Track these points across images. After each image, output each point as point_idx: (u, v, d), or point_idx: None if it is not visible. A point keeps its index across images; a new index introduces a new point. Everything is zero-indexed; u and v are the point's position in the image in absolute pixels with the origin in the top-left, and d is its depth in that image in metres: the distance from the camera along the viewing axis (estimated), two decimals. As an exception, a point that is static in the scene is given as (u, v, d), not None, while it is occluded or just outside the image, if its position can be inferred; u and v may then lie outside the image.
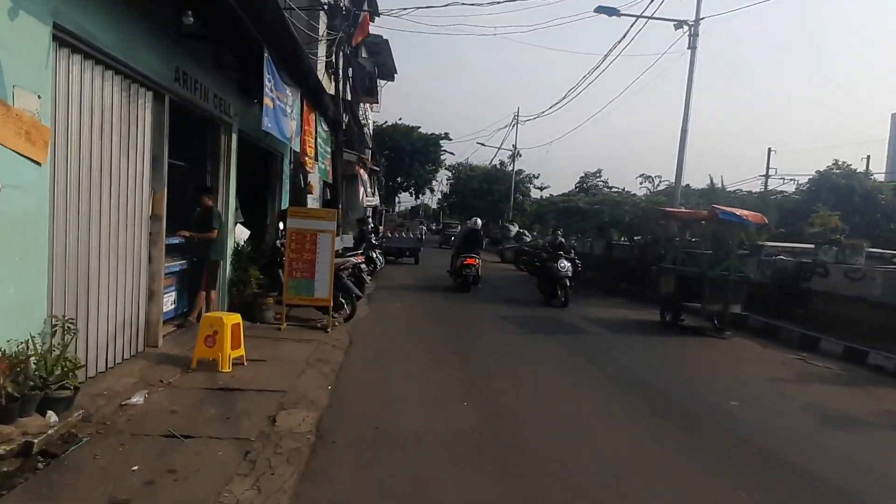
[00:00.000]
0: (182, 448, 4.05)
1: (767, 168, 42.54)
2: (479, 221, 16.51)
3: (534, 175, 48.22)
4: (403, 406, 5.36)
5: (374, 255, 19.29)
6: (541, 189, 48.62)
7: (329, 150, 11.94)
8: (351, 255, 11.06)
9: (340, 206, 12.99)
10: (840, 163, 22.25)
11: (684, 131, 14.93)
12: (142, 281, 6.06)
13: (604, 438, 4.89)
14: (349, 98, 17.28)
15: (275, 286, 9.27)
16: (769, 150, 44.20)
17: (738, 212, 10.45)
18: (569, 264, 13.41)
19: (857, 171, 22.94)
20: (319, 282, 8.58)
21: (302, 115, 8.87)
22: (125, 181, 5.58)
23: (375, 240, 20.77)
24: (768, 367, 8.14)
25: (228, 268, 8.66)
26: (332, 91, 13.04)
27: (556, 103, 50.48)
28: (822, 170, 21.55)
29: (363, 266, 11.45)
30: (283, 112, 7.49)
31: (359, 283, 11.27)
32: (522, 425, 5.04)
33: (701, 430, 5.21)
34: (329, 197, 14.23)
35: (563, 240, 14.99)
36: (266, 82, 6.41)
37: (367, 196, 17.38)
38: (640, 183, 21.32)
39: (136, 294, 5.94)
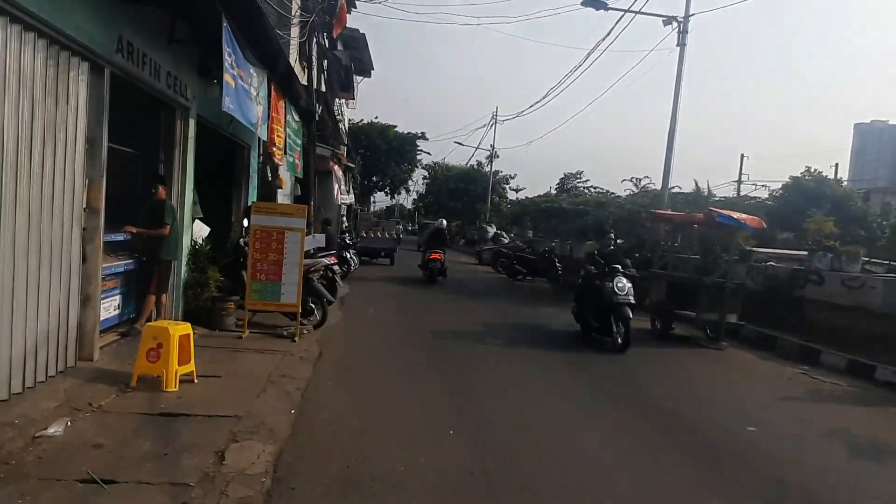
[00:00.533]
0: (100, 500, 3.22)
1: (740, 174, 42.85)
2: (444, 222, 19.14)
3: (510, 175, 47.80)
4: (380, 437, 4.58)
5: (349, 256, 18.49)
6: (516, 191, 48.29)
7: (300, 142, 11.08)
8: (323, 256, 10.23)
9: (312, 203, 12.13)
10: (812, 170, 22.41)
11: (672, 132, 14.45)
12: (73, 283, 5.16)
13: (622, 480, 4.18)
14: (323, 90, 16.41)
15: (238, 289, 8.39)
16: (742, 155, 44.66)
17: (736, 215, 9.92)
18: (629, 285, 9.05)
19: (828, 178, 23.39)
20: (287, 285, 7.74)
21: (270, 102, 8.02)
22: (51, 166, 4.69)
23: (350, 239, 19.93)
24: (774, 383, 7.58)
25: (184, 269, 7.77)
26: (305, 81, 12.18)
27: (537, 102, 49.44)
28: (795, 175, 21.90)
29: (336, 268, 10.63)
30: (248, 94, 6.64)
31: (331, 286, 10.45)
32: (519, 462, 4.30)
33: (725, 465, 4.55)
34: (300, 193, 13.32)
35: (615, 246, 10.98)
36: (226, 56, 5.57)
37: (341, 193, 16.49)
38: (627, 187, 20.88)
39: (64, 299, 5.04)
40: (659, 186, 16.98)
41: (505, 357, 7.99)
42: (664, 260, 11.64)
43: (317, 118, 12.18)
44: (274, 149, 8.40)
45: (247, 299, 7.70)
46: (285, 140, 9.32)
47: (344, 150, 22.70)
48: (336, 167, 16.12)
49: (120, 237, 6.49)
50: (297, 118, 10.60)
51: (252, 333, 7.77)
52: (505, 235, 29.27)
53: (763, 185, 33.93)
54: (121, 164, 6.99)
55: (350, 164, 19.75)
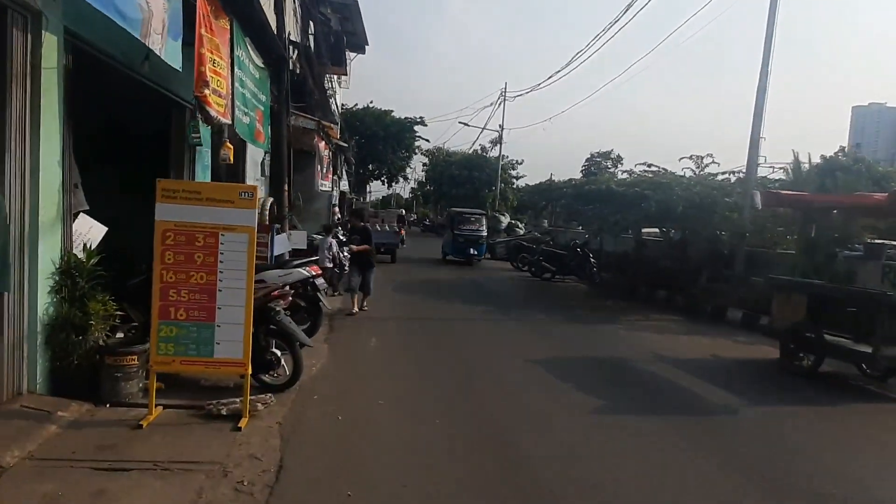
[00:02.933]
0: None
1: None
2: None
3: (517, 161, 44.29)
4: None
5: (342, 255, 15.16)
6: (516, 178, 44.86)
7: (264, 99, 7.66)
8: (299, 265, 6.89)
9: (287, 188, 8.73)
10: (845, 149, 20.01)
11: (762, 90, 11.05)
12: None
13: None
14: (309, 46, 12.98)
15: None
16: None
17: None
18: None
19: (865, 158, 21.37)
20: (225, 327, 4.37)
21: (193, 9, 4.63)
22: None
23: (343, 234, 16.54)
24: None
25: (44, 298, 4.39)
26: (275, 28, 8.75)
27: (558, 71, 43.79)
28: (828, 156, 20.01)
29: (320, 281, 7.27)
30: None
31: (312, 310, 7.11)
32: None
33: None
34: (269, 173, 9.83)
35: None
36: None
37: (322, 178, 13.04)
38: (686, 165, 17.13)
39: None
40: (720, 167, 13.67)
41: (592, 426, 4.65)
42: (807, 260, 8.34)
43: (290, 67, 8.75)
44: (207, 92, 4.98)
45: (153, 353, 4.34)
46: (232, 86, 5.91)
47: (337, 130, 19.26)
48: (322, 145, 12.69)
49: None
50: (257, 60, 7.17)
51: (167, 410, 4.44)
52: (520, 226, 25.92)
53: (781, 168, 30.81)
54: None
55: (342, 144, 16.35)
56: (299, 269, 6.85)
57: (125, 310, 5.20)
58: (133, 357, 4.64)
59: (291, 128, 12.17)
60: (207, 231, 4.31)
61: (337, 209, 17.67)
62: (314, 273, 7.00)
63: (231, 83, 5.78)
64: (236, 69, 6.02)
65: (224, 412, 4.41)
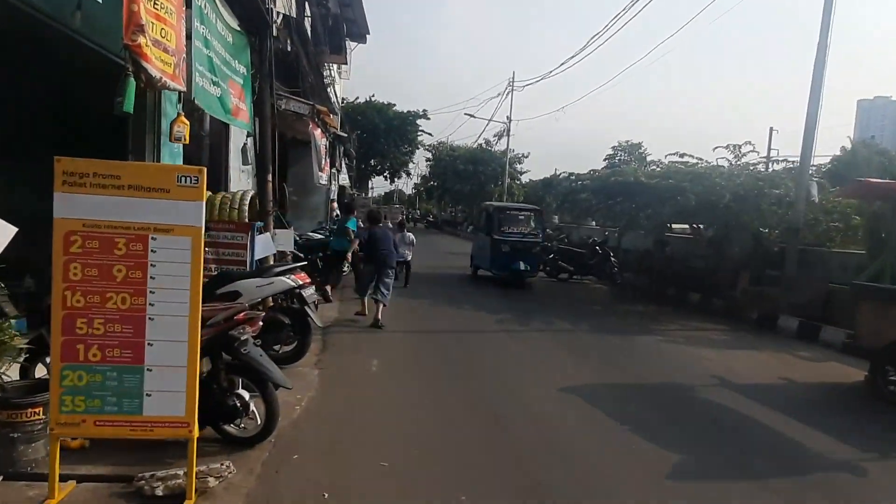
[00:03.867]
0: None
1: (769, 149, 37.99)
2: None
3: (523, 154, 42.91)
4: None
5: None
6: (521, 173, 43.50)
7: (243, 71, 6.31)
8: (282, 272, 5.57)
9: (272, 179, 7.38)
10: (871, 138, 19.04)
11: (820, 62, 9.62)
12: None
13: None
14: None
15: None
16: (770, 129, 39.73)
17: None
18: None
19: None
20: (159, 373, 3.04)
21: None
22: None
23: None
24: None
25: None
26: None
27: (572, 57, 41.84)
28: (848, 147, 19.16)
29: (309, 292, 5.93)
30: None
31: (299, 327, 5.81)
32: None
33: None
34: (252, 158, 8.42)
35: None
36: None
37: (319, 169, 11.64)
38: (721, 155, 15.59)
39: None
40: (761, 155, 12.27)
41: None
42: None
43: (276, 35, 7.39)
44: (142, 41, 3.64)
45: (52, 411, 3.00)
46: (189, 42, 4.57)
47: (337, 120, 17.86)
48: (318, 133, 11.34)
49: None
50: (235, 26, 5.82)
51: (81, 486, 3.13)
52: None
53: (794, 161, 29.39)
54: None
55: (341, 134, 15.00)
56: (282, 278, 5.55)
57: (41, 340, 3.86)
58: (37, 410, 3.32)
59: (282, 112, 10.85)
60: (132, 233, 2.98)
61: (336, 205, 16.35)
62: (301, 282, 5.68)
63: (186, 38, 4.42)
64: (196, 22, 4.67)
65: (160, 492, 3.09)
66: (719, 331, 9.46)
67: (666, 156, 12.82)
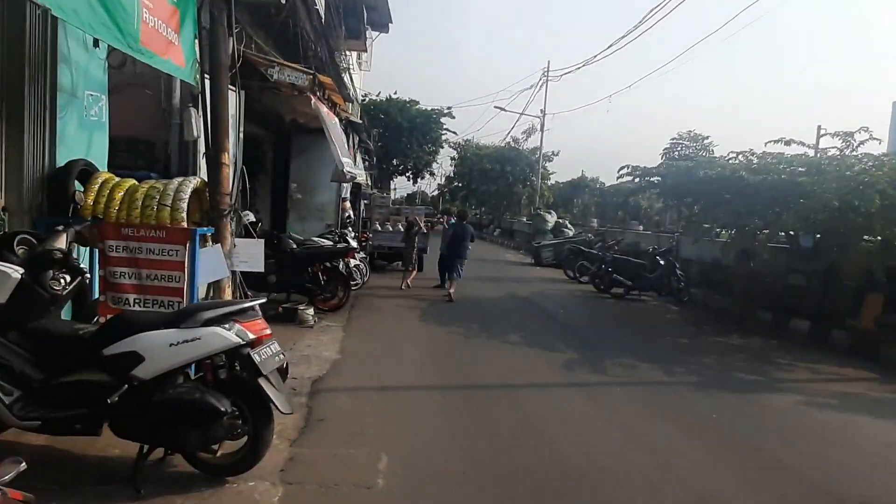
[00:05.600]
0: None
1: (817, 149, 34.85)
2: None
3: (553, 152, 40.17)
4: None
5: (354, 264, 11.47)
6: (550, 173, 40.83)
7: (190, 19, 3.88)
8: (219, 318, 3.13)
9: (236, 167, 4.94)
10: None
11: None
12: None
13: None
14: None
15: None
16: (819, 128, 36.55)
17: None
18: None
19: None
20: None
21: None
22: None
23: (352, 233, 12.82)
24: None
25: None
26: None
27: (621, 38, 38.54)
28: None
29: (266, 353, 3.39)
30: None
31: (254, 412, 3.30)
32: None
33: None
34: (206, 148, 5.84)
35: None
36: None
37: (342, 154, 9.03)
38: (830, 144, 12.80)
39: None
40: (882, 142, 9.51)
41: None
42: None
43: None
44: None
45: None
46: None
47: (353, 110, 15.40)
48: (325, 110, 8.90)
49: None
50: None
51: None
52: (569, 225, 21.88)
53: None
54: None
55: (356, 121, 12.58)
56: (217, 330, 3.09)
57: None
58: None
59: (274, 86, 8.50)
60: None
61: (348, 205, 13.93)
62: (250, 335, 3.21)
63: None
64: None
65: None
66: (869, 381, 6.79)
67: (729, 152, 10.26)
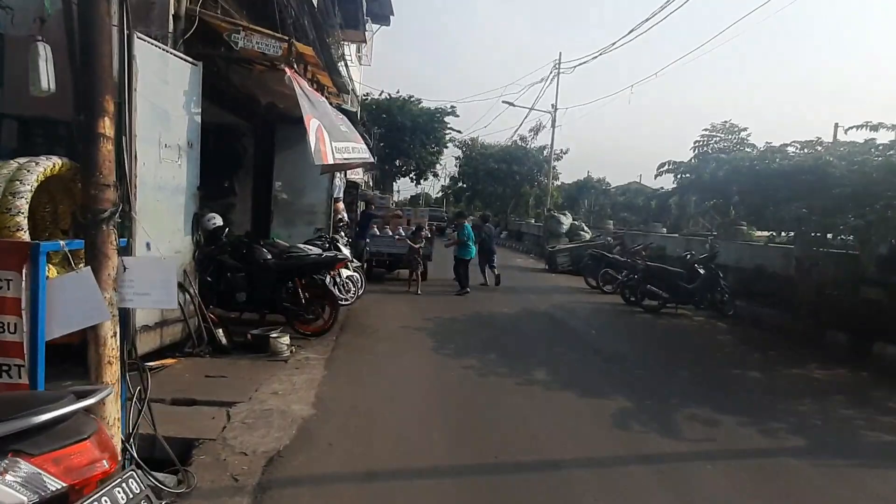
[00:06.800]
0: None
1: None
2: None
3: (562, 150, 38.35)
4: None
5: (346, 276, 9.85)
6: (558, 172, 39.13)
7: None
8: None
9: (126, 150, 3.22)
10: None
11: None
12: None
13: None
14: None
15: None
16: (836, 125, 34.88)
17: None
18: None
19: None
20: None
21: None
22: None
23: (345, 239, 11.15)
24: None
25: None
26: None
27: (645, 21, 34.89)
28: None
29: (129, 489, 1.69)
30: None
31: None
32: None
33: None
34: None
35: None
36: None
37: (317, 142, 7.09)
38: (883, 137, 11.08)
39: None
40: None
41: None
42: None
43: None
44: None
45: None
46: None
47: (350, 102, 13.68)
48: (306, 84, 7.17)
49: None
50: None
51: None
52: (585, 228, 20.12)
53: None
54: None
55: (349, 109, 10.85)
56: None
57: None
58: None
59: (243, 57, 6.85)
60: None
61: (342, 206, 12.24)
62: (59, 485, 1.45)
63: None
64: None
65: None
66: None
67: (792, 142, 8.57)
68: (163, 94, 5.80)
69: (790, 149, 8.55)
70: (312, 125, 6.68)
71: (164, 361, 5.81)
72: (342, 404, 4.83)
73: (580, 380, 6.06)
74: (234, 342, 6.60)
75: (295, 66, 6.82)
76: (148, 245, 5.67)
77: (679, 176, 10.96)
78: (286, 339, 6.42)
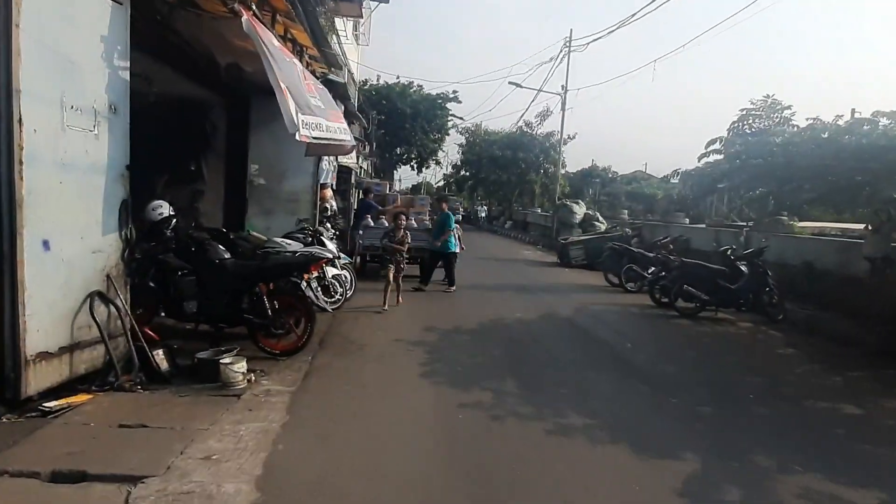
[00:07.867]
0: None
1: None
2: None
3: (569, 136, 36.57)
4: None
5: (333, 275, 8.40)
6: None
7: None
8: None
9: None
10: None
11: None
12: None
13: None
14: None
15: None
16: (852, 111, 33.21)
17: None
18: None
19: None
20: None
21: None
22: None
23: (330, 233, 9.60)
24: None
25: None
26: None
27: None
28: None
29: None
30: None
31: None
32: None
33: None
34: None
35: None
36: None
37: (294, 109, 5.49)
38: None
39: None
40: None
41: None
42: None
43: None
44: None
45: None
46: None
47: (346, 80, 12.04)
48: (266, 35, 5.60)
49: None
50: None
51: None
52: (600, 219, 18.54)
53: None
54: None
55: (336, 79, 9.27)
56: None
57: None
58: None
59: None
60: None
61: (329, 193, 10.69)
62: None
63: None
64: None
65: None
66: None
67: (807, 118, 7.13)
68: (68, 38, 4.28)
69: (883, 120, 7.02)
70: (284, 89, 5.12)
71: (71, 400, 4.33)
72: (301, 479, 3.32)
73: (629, 423, 4.55)
74: (179, 366, 5.13)
75: (255, 10, 5.26)
76: (45, 243, 4.19)
77: (730, 155, 9.38)
78: (242, 366, 4.90)
